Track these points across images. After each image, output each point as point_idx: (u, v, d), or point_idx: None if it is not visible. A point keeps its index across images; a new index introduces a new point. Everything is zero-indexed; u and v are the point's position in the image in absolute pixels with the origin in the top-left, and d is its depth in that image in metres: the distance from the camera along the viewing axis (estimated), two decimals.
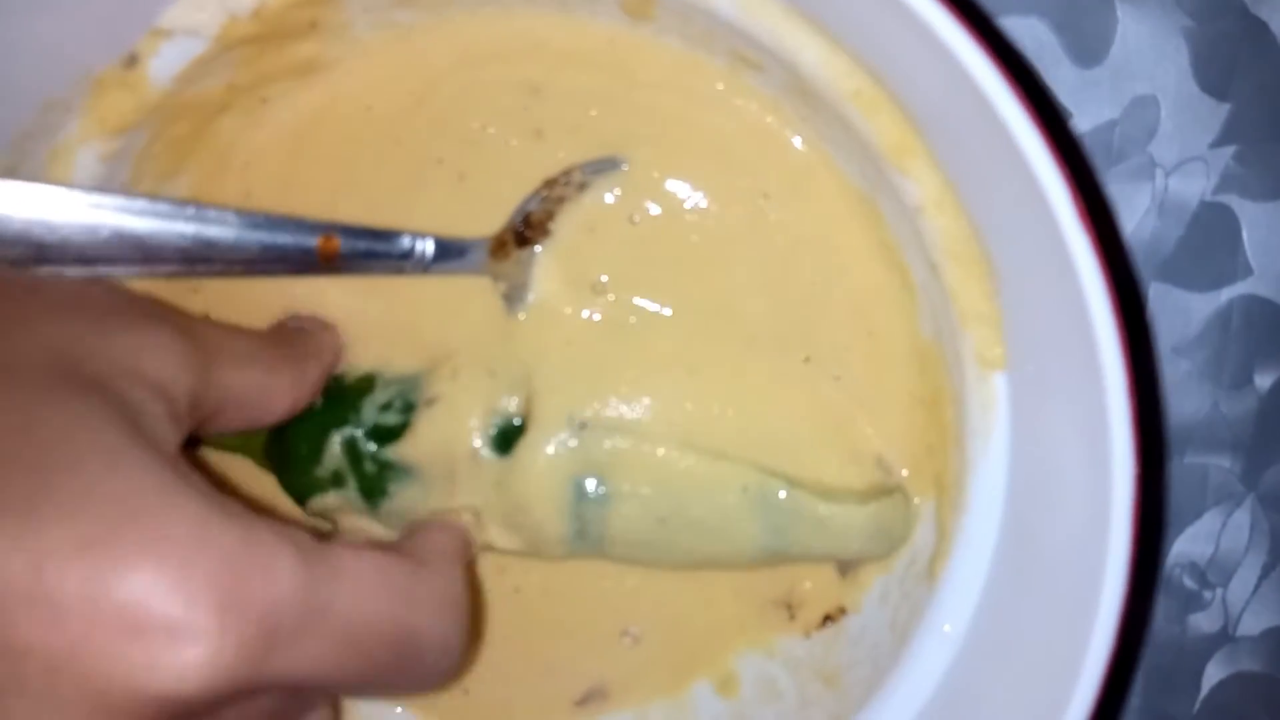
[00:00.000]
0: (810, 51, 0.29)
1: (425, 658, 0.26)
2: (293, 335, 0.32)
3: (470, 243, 0.33)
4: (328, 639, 0.23)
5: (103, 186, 0.31)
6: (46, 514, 0.20)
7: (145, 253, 0.27)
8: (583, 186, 0.33)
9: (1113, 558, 0.26)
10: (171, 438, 0.24)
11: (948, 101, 0.26)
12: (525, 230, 0.33)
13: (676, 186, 0.33)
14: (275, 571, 0.22)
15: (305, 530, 0.24)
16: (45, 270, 0.27)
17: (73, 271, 0.27)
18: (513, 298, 0.33)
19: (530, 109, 0.33)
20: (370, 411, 0.33)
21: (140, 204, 0.27)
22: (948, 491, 0.32)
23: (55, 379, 0.23)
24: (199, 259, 0.28)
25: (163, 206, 0.27)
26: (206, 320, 0.32)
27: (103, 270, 0.27)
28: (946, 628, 0.31)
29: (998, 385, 0.30)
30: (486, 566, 0.36)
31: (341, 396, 0.33)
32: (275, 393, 0.30)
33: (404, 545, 0.29)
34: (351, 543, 0.25)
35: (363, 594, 0.24)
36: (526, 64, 0.33)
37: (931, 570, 0.32)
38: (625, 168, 0.33)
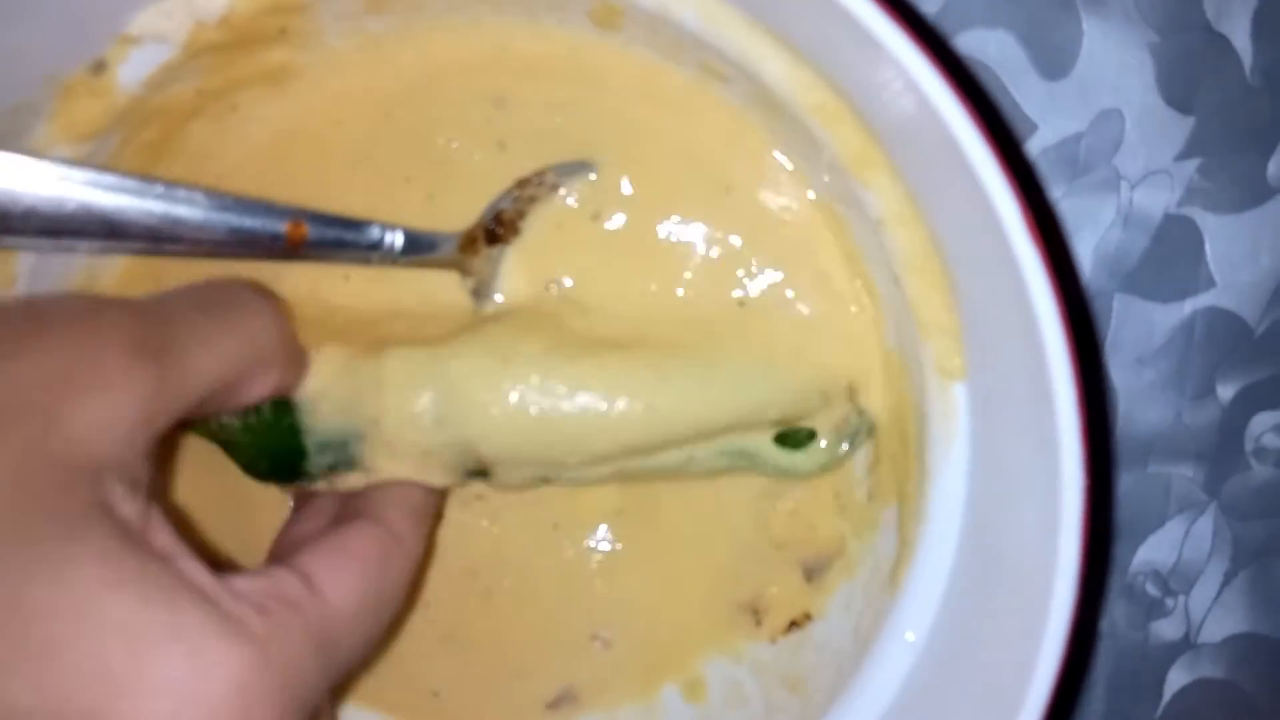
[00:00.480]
0: (774, 64, 0.29)
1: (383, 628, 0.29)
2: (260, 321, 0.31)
3: (440, 236, 0.33)
4: (335, 670, 0.26)
5: None
6: (69, 711, 0.21)
7: (112, 228, 0.27)
8: (555, 188, 0.34)
9: (1063, 565, 0.26)
10: (139, 510, 0.24)
11: (905, 117, 0.27)
12: (496, 228, 0.33)
13: (642, 193, 0.34)
14: (300, 667, 0.24)
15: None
16: (9, 241, 0.27)
17: (38, 243, 0.27)
18: (480, 294, 0.34)
19: (494, 121, 0.33)
20: (319, 464, 0.32)
21: (109, 179, 0.27)
22: (910, 500, 0.32)
23: (28, 525, 0.23)
24: (166, 238, 0.28)
25: (131, 182, 0.27)
26: (178, 303, 0.28)
27: (67, 243, 0.27)
28: (909, 635, 0.32)
29: (957, 395, 0.30)
30: (458, 570, 0.36)
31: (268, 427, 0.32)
32: (254, 386, 0.29)
33: (380, 503, 0.30)
34: (327, 551, 0.27)
35: (352, 616, 0.26)
36: (493, 74, 0.33)
37: (893, 578, 0.32)
38: (593, 176, 0.34)
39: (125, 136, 0.32)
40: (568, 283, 0.34)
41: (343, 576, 0.26)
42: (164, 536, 0.24)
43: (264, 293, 0.31)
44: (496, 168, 0.33)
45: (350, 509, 0.31)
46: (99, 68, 0.30)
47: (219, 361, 0.27)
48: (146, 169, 0.33)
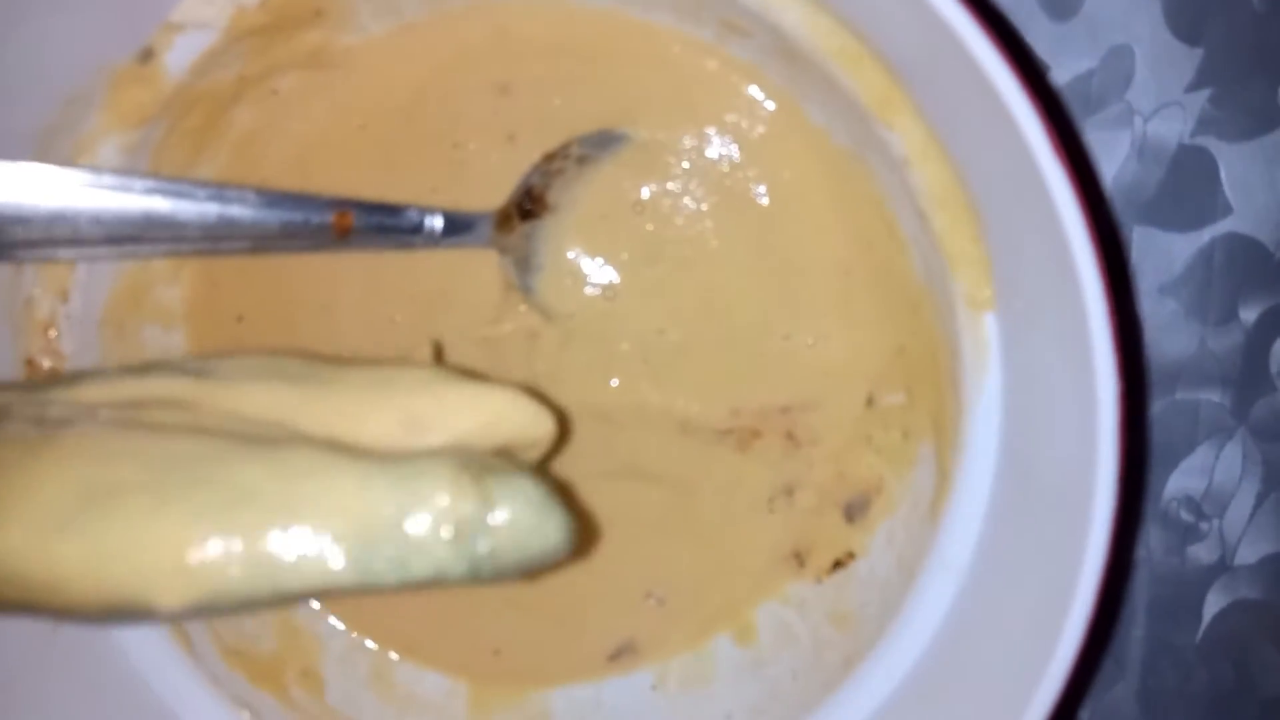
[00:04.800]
0: (793, 13, 0.30)
1: None
2: None
3: (476, 216, 0.34)
4: None
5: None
6: None
7: (172, 231, 0.28)
8: (582, 160, 0.34)
9: (1101, 488, 0.26)
10: None
11: (927, 54, 0.27)
12: (528, 204, 0.34)
13: (669, 158, 0.35)
14: None
15: None
16: (75, 252, 0.28)
17: (101, 251, 0.28)
18: (520, 269, 0.35)
19: (501, 112, 0.34)
20: None
21: (167, 185, 0.28)
22: (946, 433, 0.33)
23: None
24: (222, 236, 0.29)
25: (186, 187, 0.29)
26: None
27: (130, 249, 0.28)
28: (950, 563, 0.32)
29: (989, 325, 0.31)
30: None
31: None
32: None
33: None
34: None
35: None
36: (507, 58, 0.34)
37: (934, 510, 0.33)
38: (622, 139, 0.34)
39: (171, 124, 0.33)
40: (598, 259, 0.35)
41: None
42: None
43: None
44: (512, 165, 0.34)
45: None
46: (146, 56, 0.31)
47: None
48: (191, 156, 0.34)
